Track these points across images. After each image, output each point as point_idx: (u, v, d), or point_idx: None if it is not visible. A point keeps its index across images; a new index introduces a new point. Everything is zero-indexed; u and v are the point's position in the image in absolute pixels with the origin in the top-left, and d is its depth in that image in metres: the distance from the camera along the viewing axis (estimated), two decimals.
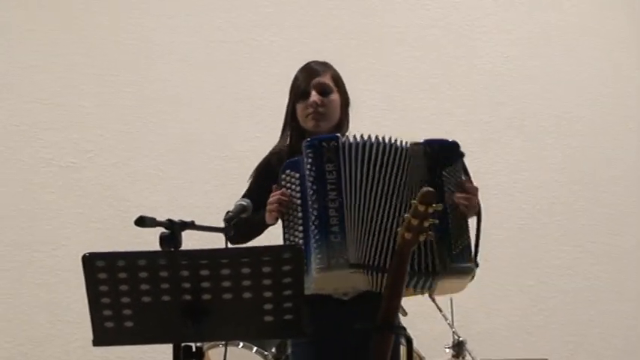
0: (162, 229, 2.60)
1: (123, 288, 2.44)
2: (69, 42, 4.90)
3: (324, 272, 2.91)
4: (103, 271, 2.44)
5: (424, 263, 2.93)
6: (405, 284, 2.85)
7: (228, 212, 2.96)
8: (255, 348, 3.71)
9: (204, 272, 2.42)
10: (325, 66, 3.27)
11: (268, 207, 3.04)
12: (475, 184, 3.06)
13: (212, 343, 3.59)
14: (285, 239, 3.04)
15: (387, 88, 5.18)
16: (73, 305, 4.58)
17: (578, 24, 5.46)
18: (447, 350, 3.92)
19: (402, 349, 3.10)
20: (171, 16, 5.02)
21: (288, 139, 3.26)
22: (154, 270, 2.43)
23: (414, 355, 3.21)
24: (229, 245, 2.87)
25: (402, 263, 2.75)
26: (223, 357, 2.90)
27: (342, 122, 3.25)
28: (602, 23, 5.50)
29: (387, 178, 2.97)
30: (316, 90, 3.19)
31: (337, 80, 3.25)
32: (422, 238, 2.73)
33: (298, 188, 3.01)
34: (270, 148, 3.29)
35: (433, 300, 3.67)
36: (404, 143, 3.01)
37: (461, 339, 3.90)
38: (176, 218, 2.64)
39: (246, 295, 2.44)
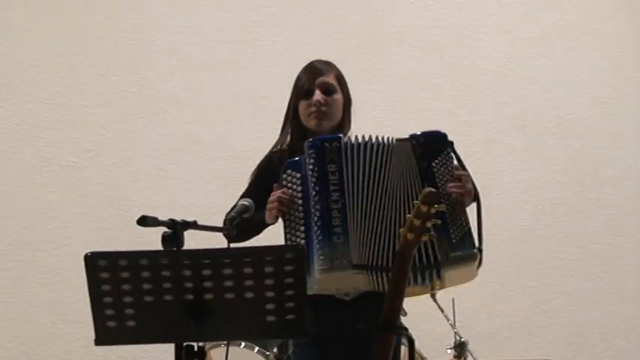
0: (163, 229, 2.59)
1: (125, 287, 2.44)
2: (69, 42, 4.90)
3: (327, 273, 2.91)
4: (105, 271, 2.43)
5: (425, 256, 2.92)
6: (413, 281, 2.85)
7: (229, 212, 2.96)
8: (257, 348, 3.71)
9: (207, 272, 2.42)
10: (329, 65, 3.27)
11: (269, 205, 3.04)
12: (475, 180, 3.06)
13: (214, 342, 3.59)
14: (286, 239, 3.04)
15: (389, 88, 5.17)
16: (75, 304, 4.58)
17: (579, 24, 5.45)
18: (449, 351, 3.91)
19: (404, 350, 3.10)
20: (172, 16, 5.01)
21: (289, 137, 3.26)
22: (157, 269, 2.42)
23: (416, 355, 3.20)
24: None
25: (405, 263, 2.74)
26: (225, 357, 2.90)
27: (344, 122, 3.26)
28: (603, 23, 5.49)
29: (386, 178, 2.97)
30: (320, 89, 3.19)
31: (341, 80, 3.26)
32: (424, 239, 2.72)
33: (300, 188, 3.01)
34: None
35: (435, 300, 3.66)
36: (391, 140, 3.00)
37: (463, 340, 3.88)
38: (178, 218, 2.64)
39: (249, 294, 2.43)
